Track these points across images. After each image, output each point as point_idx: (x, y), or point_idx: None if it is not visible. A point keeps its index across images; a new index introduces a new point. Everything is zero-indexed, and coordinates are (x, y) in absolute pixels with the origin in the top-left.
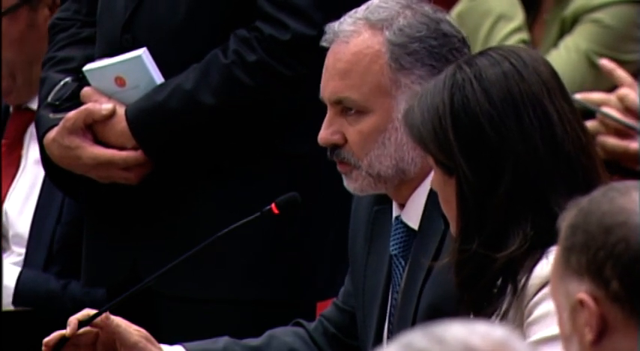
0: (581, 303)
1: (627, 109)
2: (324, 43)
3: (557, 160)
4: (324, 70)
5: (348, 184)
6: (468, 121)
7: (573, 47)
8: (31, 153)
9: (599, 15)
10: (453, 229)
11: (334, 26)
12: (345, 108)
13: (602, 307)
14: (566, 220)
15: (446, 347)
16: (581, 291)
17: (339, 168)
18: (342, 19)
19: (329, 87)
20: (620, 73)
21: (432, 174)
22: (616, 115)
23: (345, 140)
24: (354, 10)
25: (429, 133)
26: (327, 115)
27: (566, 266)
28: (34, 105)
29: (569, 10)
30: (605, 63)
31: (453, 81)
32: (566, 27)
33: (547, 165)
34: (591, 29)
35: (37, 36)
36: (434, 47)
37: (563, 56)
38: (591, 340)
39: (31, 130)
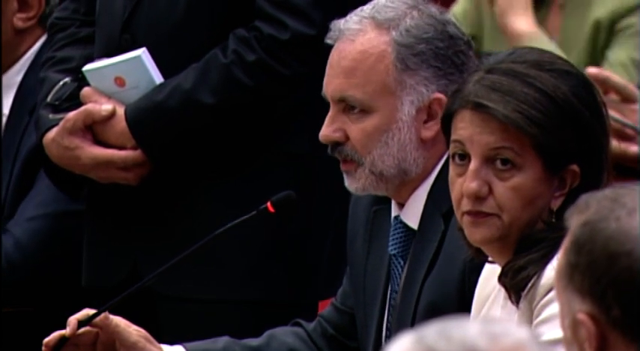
0: (581, 322)
1: (626, 99)
2: (328, 41)
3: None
4: (327, 67)
5: (350, 184)
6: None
7: (629, 62)
8: None
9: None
10: (524, 217)
11: (339, 24)
12: (348, 106)
13: (603, 329)
14: (573, 227)
15: (450, 345)
16: (582, 311)
17: (342, 167)
18: (347, 17)
19: (332, 84)
20: (617, 79)
21: (519, 176)
22: (615, 114)
23: (347, 138)
24: (359, 9)
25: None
26: (330, 113)
27: (570, 281)
28: None
29: (603, 12)
30: (598, 71)
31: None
32: (602, 32)
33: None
34: (634, 41)
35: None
36: (440, 49)
37: (623, 74)
38: None
39: None
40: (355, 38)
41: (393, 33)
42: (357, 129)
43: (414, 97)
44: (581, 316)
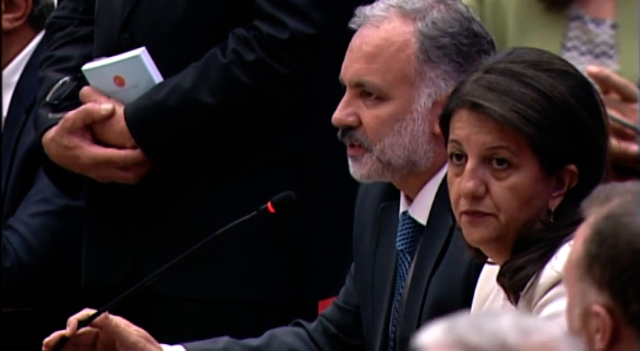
0: (596, 314)
1: (626, 98)
2: (351, 25)
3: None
4: (348, 51)
5: (355, 170)
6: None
7: None
8: None
9: None
10: (519, 217)
11: (365, 10)
12: (364, 91)
13: (617, 323)
14: (593, 218)
15: (481, 336)
16: (599, 303)
17: (349, 152)
18: (374, 4)
19: (352, 68)
20: (617, 79)
21: (516, 175)
22: (615, 114)
23: (360, 123)
24: None
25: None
26: (345, 97)
27: (588, 271)
28: None
29: None
30: (598, 70)
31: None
32: None
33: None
34: None
35: None
36: (464, 45)
37: None
38: (602, 349)
39: None
40: (380, 25)
41: (419, 24)
42: (371, 115)
43: (432, 89)
44: (597, 308)
